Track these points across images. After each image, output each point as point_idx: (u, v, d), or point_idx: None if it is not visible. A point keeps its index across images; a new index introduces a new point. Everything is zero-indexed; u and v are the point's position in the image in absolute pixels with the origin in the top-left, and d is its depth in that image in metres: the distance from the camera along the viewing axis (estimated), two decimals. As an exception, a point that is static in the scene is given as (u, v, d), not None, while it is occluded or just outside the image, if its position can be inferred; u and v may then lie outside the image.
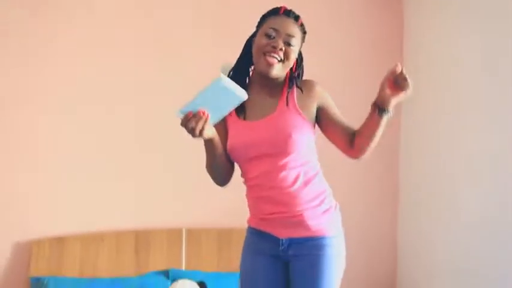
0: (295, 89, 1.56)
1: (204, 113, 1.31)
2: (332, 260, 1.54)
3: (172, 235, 2.67)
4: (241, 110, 1.53)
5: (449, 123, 2.69)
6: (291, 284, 1.57)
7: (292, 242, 1.54)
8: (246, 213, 1.65)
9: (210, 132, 1.39)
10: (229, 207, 2.67)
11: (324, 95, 1.58)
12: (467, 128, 2.56)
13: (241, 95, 1.31)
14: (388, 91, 1.39)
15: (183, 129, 1.33)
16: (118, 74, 2.64)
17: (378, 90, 1.42)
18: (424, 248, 2.86)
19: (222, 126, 1.54)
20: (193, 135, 1.33)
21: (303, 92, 1.55)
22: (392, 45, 3.08)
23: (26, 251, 2.47)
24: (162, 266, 2.62)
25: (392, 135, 3.09)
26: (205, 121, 1.32)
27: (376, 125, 1.45)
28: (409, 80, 1.35)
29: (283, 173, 1.50)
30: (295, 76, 1.58)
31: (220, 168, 1.55)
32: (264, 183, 1.52)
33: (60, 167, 2.56)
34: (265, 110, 1.54)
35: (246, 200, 1.63)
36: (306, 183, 1.53)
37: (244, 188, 1.62)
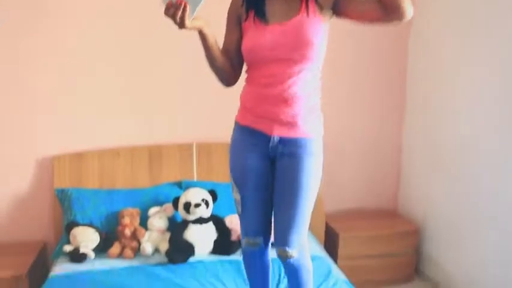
0: None
1: (181, 2, 1.38)
2: (315, 160, 1.63)
3: (184, 149, 2.81)
4: (260, 13, 1.57)
5: (457, 39, 2.63)
6: (275, 181, 1.67)
7: (282, 140, 1.62)
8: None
9: (197, 23, 1.46)
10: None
11: None
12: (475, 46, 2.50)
13: None
14: None
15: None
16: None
17: None
18: (428, 154, 2.91)
19: (236, 29, 1.62)
20: (175, 23, 1.42)
21: None
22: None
23: (48, 166, 2.67)
24: (174, 178, 2.79)
25: (401, 51, 3.05)
26: (184, 10, 1.39)
27: None
28: None
29: (293, 78, 1.55)
30: None
31: (219, 68, 1.63)
32: (271, 84, 1.57)
33: (78, 89, 2.68)
34: (285, 14, 1.56)
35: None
36: (311, 88, 1.60)
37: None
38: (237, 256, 2.42)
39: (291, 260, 1.65)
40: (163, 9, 1.41)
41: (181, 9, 1.39)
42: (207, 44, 1.57)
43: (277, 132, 1.61)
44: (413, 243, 2.93)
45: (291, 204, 1.62)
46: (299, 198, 1.62)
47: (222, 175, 2.84)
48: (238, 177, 1.71)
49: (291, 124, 1.60)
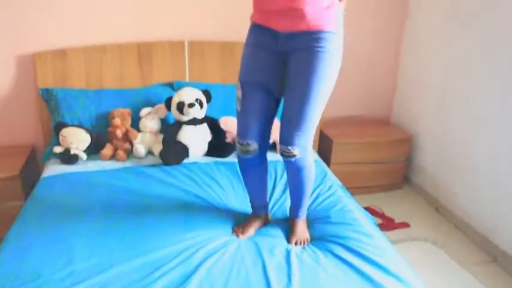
0: None
1: None
2: (328, 55, 1.51)
3: (175, 47, 2.64)
4: None
5: None
6: (287, 77, 1.57)
7: (291, 35, 1.52)
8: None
9: None
10: (232, 21, 2.58)
11: None
12: None
13: None
14: None
15: None
16: None
17: None
18: (421, 76, 2.81)
19: None
20: None
21: None
22: None
23: (30, 63, 2.50)
24: (166, 79, 2.65)
25: None
26: None
27: None
28: None
29: None
30: None
31: None
32: None
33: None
34: None
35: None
36: None
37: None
38: (232, 158, 2.38)
39: (293, 159, 1.61)
40: None
41: None
42: None
43: (284, 26, 1.50)
44: (404, 152, 2.94)
45: (299, 105, 1.54)
46: (308, 99, 1.53)
47: (216, 75, 2.71)
48: (244, 73, 1.62)
49: (298, 16, 1.47)
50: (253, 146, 1.67)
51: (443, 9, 2.69)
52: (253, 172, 1.77)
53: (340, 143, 2.81)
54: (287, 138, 1.58)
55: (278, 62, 1.58)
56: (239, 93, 1.65)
